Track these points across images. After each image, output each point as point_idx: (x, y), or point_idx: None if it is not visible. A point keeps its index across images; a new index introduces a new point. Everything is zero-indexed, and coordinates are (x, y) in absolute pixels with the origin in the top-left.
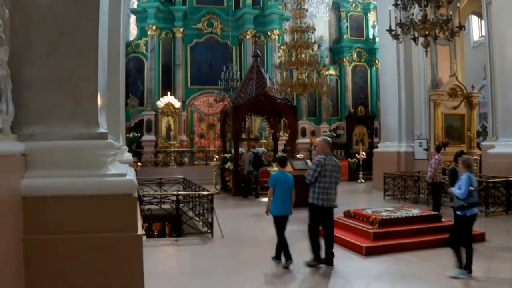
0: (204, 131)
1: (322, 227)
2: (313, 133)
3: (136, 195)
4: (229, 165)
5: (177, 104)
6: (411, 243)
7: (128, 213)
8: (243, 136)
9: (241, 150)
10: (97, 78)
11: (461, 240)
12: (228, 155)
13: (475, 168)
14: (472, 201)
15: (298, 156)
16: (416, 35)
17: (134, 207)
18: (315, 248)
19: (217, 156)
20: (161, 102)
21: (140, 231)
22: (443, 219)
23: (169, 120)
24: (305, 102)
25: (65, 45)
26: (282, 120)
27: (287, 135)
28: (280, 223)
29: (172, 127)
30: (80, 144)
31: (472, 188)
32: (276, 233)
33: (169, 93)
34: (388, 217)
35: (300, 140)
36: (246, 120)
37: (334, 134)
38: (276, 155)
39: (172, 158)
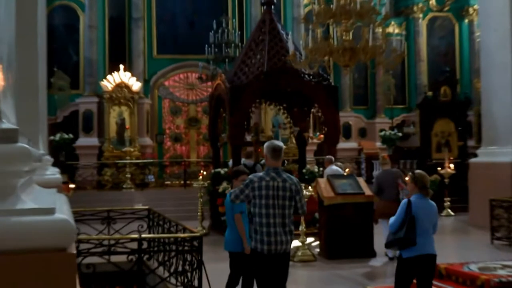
0: (181, 130)
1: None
2: (362, 133)
3: (75, 250)
4: (224, 186)
5: (136, 85)
6: None
7: (60, 284)
8: (248, 138)
9: (243, 161)
10: None
11: None
12: (222, 170)
13: None
14: (398, 237)
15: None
16: None
17: (72, 272)
18: None
19: (204, 172)
20: (109, 82)
21: None
22: None
23: (122, 111)
24: (350, 81)
25: None
26: (312, 111)
27: (322, 136)
28: (234, 262)
29: (128, 124)
30: None
31: (410, 217)
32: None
33: (122, 66)
34: (511, 279)
35: (343, 144)
36: (253, 111)
37: (400, 134)
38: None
39: (128, 175)
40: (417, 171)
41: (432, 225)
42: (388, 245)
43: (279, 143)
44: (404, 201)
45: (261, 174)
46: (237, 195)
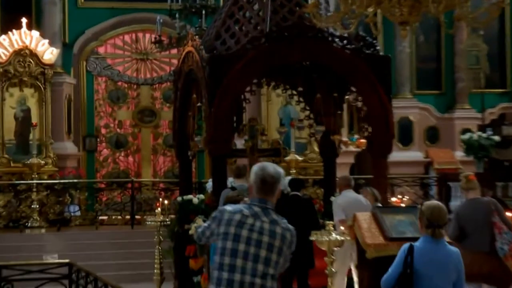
0: (127, 130)
1: None
2: (432, 135)
3: None
4: (199, 225)
5: (49, 53)
6: None
7: None
8: (239, 143)
9: (231, 182)
10: None
11: None
12: (196, 197)
13: None
14: None
15: (394, 199)
16: None
17: None
18: None
19: (166, 201)
20: (2, 46)
21: None
22: None
23: (26, 97)
24: (412, 50)
25: None
26: (347, 99)
27: (362, 140)
28: None
29: (35, 119)
30: None
31: (408, 271)
32: None
33: (24, 21)
34: None
35: (399, 154)
36: (247, 99)
37: (496, 138)
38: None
39: (35, 206)
40: (427, 202)
41: (451, 285)
42: None
43: (274, 170)
44: (404, 247)
45: (241, 206)
46: (203, 231)
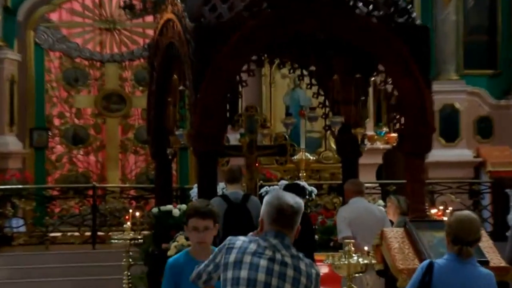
0: (87, 121)
1: None
2: (485, 128)
3: None
4: (181, 244)
5: None
6: None
7: None
8: (232, 138)
9: (222, 188)
10: None
11: None
12: (176, 208)
13: None
14: None
15: (434, 211)
16: None
17: None
18: None
19: (137, 213)
20: None
21: None
22: None
23: None
24: (458, 17)
25: None
26: (372, 81)
27: (392, 135)
28: None
29: None
30: None
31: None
32: None
33: None
34: None
35: (441, 152)
36: (244, 81)
37: None
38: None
39: None
40: (457, 213)
41: None
42: None
43: (294, 200)
44: (422, 264)
45: (255, 237)
46: (207, 264)
